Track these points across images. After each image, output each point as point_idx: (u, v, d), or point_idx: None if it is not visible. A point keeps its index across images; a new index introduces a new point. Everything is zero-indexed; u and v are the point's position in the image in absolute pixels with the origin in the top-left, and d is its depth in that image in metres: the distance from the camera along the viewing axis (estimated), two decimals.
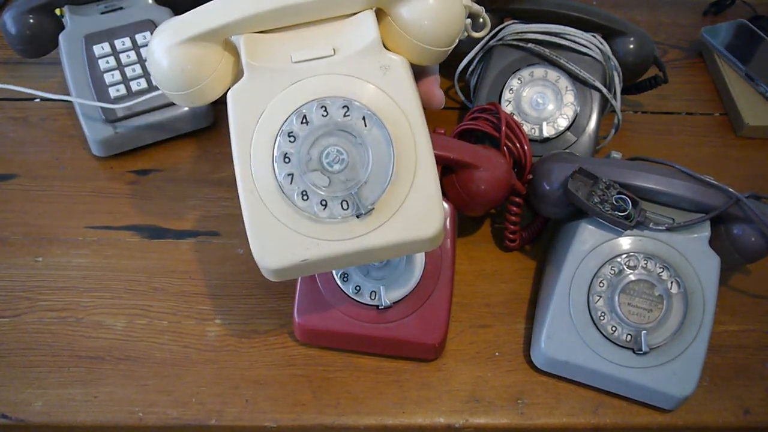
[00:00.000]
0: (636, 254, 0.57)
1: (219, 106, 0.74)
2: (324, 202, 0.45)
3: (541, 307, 0.60)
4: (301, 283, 0.57)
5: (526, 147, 0.62)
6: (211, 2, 0.47)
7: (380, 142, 0.45)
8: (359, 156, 0.45)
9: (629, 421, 0.56)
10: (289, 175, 0.45)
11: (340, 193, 0.45)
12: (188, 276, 0.62)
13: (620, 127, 0.71)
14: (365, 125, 0.45)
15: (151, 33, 0.71)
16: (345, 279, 0.56)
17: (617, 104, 0.70)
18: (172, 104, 0.69)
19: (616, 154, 0.62)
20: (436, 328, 0.56)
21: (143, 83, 0.68)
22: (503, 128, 0.62)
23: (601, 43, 0.70)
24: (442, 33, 0.48)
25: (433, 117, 0.61)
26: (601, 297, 0.56)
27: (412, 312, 0.56)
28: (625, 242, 0.58)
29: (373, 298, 0.55)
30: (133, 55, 0.69)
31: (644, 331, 0.54)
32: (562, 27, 0.70)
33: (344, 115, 0.45)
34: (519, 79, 0.70)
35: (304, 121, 0.45)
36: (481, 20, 0.56)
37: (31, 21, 0.71)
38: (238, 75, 0.48)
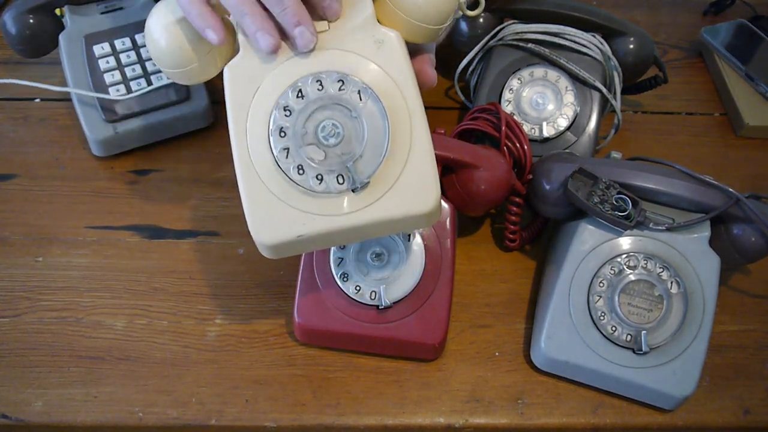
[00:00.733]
0: (636, 254, 0.57)
1: (219, 106, 0.74)
2: (320, 176, 0.45)
3: (541, 307, 0.60)
4: (301, 283, 0.57)
5: (526, 147, 0.62)
6: None
7: (375, 115, 0.45)
8: (354, 130, 0.45)
9: (629, 421, 0.56)
10: (284, 149, 0.45)
11: (336, 166, 0.45)
12: (188, 276, 0.62)
13: (620, 127, 0.71)
14: (360, 99, 0.45)
15: None
16: (345, 279, 0.56)
17: (617, 104, 0.70)
18: (172, 104, 0.69)
19: (616, 154, 0.62)
20: (436, 328, 0.56)
21: (143, 83, 0.68)
22: (503, 128, 0.62)
23: (601, 43, 0.70)
24: (435, 10, 0.48)
25: (433, 117, 0.61)
26: (601, 297, 0.56)
27: (412, 312, 0.56)
28: (625, 242, 0.58)
29: (373, 298, 0.55)
30: (133, 55, 0.69)
31: (644, 331, 0.54)
32: (562, 27, 0.70)
33: (339, 89, 0.45)
34: (519, 79, 0.70)
35: (300, 95, 0.45)
36: None
37: (31, 21, 0.71)
38: (234, 52, 0.48)
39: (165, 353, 0.58)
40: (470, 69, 0.74)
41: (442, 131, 0.61)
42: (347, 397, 0.56)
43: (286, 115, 0.45)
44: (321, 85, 0.45)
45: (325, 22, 0.46)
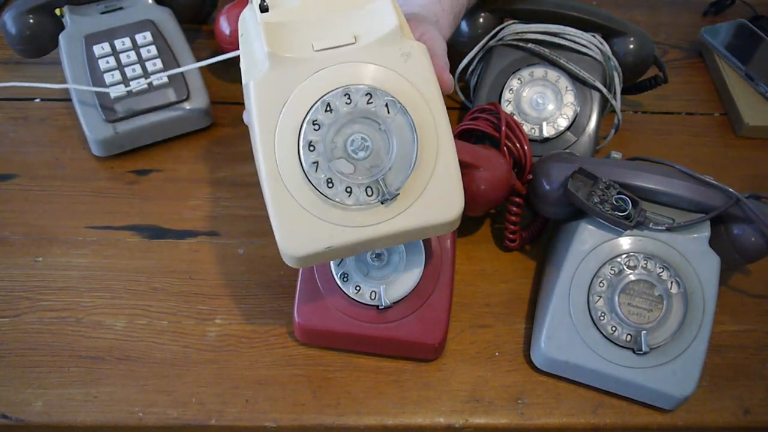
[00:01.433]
0: (636, 254, 0.57)
1: (219, 106, 0.74)
2: (349, 189, 0.45)
3: (541, 307, 0.60)
4: (301, 283, 0.57)
5: (526, 147, 0.62)
6: None
7: (403, 128, 0.46)
8: (383, 142, 0.46)
9: (629, 421, 0.56)
10: (314, 163, 0.45)
11: (366, 179, 0.45)
12: (188, 276, 0.62)
13: (620, 127, 0.71)
14: (388, 112, 0.46)
15: (151, 33, 0.71)
16: (345, 279, 0.56)
17: (617, 104, 0.70)
18: (172, 104, 0.69)
19: (616, 154, 0.62)
20: (436, 328, 0.56)
21: (143, 83, 0.68)
22: (503, 128, 0.62)
23: (601, 43, 0.70)
24: None
25: None
26: (601, 297, 0.56)
27: (412, 312, 0.56)
28: (625, 242, 0.58)
29: (373, 298, 0.55)
30: (133, 55, 0.69)
31: (644, 331, 0.54)
32: (562, 27, 0.70)
33: (368, 103, 0.46)
34: (519, 79, 0.70)
35: (329, 109, 0.45)
36: None
37: (31, 21, 0.71)
38: None
39: (165, 353, 0.58)
40: (470, 69, 0.74)
41: None
42: (347, 397, 0.56)
43: (315, 129, 0.45)
44: (349, 98, 0.45)
45: (351, 35, 0.46)
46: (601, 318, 0.56)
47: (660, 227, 0.57)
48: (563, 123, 0.68)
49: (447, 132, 0.47)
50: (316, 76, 0.46)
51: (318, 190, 0.45)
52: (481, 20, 0.72)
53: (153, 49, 0.70)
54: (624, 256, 0.57)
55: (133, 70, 0.69)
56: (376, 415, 0.55)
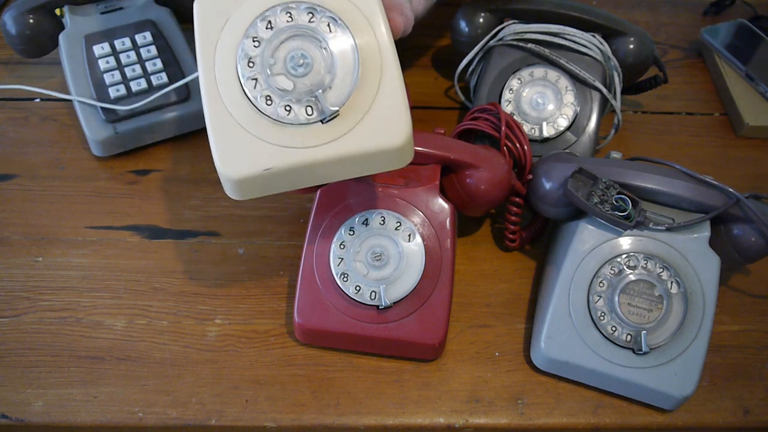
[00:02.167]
0: (636, 254, 0.57)
1: None
2: (288, 108, 0.45)
3: (540, 307, 0.60)
4: (301, 283, 0.57)
5: (526, 147, 0.62)
6: None
7: (345, 46, 0.46)
8: (324, 60, 0.46)
9: (629, 421, 0.56)
10: (253, 79, 0.45)
11: (305, 96, 0.45)
12: (188, 276, 0.62)
13: (620, 127, 0.71)
14: (330, 29, 0.46)
15: (151, 33, 0.71)
16: (345, 279, 0.56)
17: (617, 104, 0.70)
18: (172, 104, 0.69)
19: (616, 154, 0.62)
20: (436, 328, 0.56)
21: (143, 83, 0.68)
22: (503, 128, 0.62)
23: (601, 43, 0.70)
24: None
25: (433, 117, 0.61)
26: (601, 297, 0.56)
27: (412, 312, 0.56)
28: (625, 242, 0.58)
29: (373, 298, 0.55)
30: (133, 55, 0.69)
31: (644, 331, 0.54)
32: (562, 27, 0.70)
33: (309, 21, 0.46)
34: (519, 79, 0.70)
35: (269, 26, 0.45)
36: None
37: (31, 21, 0.71)
38: None
39: (165, 353, 0.58)
40: (470, 69, 0.74)
41: (442, 131, 0.61)
42: (347, 397, 0.56)
43: (254, 46, 0.45)
44: (290, 16, 0.46)
45: None
46: (601, 318, 0.56)
47: (660, 227, 0.57)
48: (563, 123, 0.68)
49: (392, 55, 0.46)
50: None
51: (257, 107, 0.44)
52: (481, 20, 0.72)
53: (153, 49, 0.70)
54: (624, 256, 0.57)
55: (133, 70, 0.69)
56: (376, 415, 0.55)
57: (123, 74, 0.68)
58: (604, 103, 0.70)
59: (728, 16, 0.91)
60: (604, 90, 0.69)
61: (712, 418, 0.57)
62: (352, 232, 0.57)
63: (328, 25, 0.46)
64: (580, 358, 0.55)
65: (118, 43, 0.69)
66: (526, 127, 0.68)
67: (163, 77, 0.69)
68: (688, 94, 0.82)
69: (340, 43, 0.46)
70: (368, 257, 0.56)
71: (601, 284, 0.56)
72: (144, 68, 0.69)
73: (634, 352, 0.55)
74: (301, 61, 0.45)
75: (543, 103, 0.69)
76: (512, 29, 0.71)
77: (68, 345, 0.58)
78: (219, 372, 0.57)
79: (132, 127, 0.68)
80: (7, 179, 0.68)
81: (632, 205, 0.57)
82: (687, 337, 0.55)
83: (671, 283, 0.56)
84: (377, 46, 0.46)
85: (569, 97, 0.69)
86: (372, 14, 0.47)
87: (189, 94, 0.70)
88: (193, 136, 0.72)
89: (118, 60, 0.69)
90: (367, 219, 0.57)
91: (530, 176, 0.62)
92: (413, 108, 0.70)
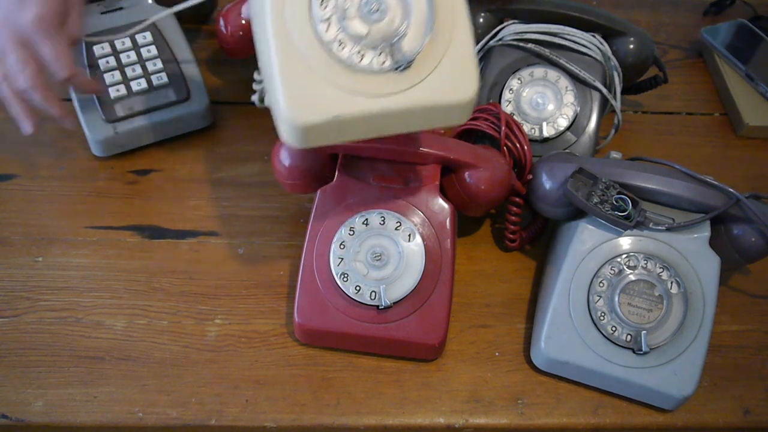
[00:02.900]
0: (636, 254, 0.57)
1: (219, 106, 0.74)
2: (362, 53, 0.44)
3: (541, 307, 0.60)
4: (301, 283, 0.57)
5: (526, 147, 0.62)
6: None
7: None
8: (399, 8, 0.45)
9: (629, 421, 0.56)
10: (326, 20, 0.44)
11: (379, 43, 0.44)
12: (188, 276, 0.62)
13: (620, 127, 0.71)
14: None
15: (151, 33, 0.71)
16: (345, 279, 0.56)
17: (617, 104, 0.70)
18: (172, 104, 0.69)
19: (616, 154, 0.62)
20: (436, 328, 0.56)
21: (143, 83, 0.68)
22: (503, 128, 0.62)
23: (601, 43, 0.70)
24: None
25: None
26: (601, 297, 0.56)
27: (412, 312, 0.56)
28: (625, 242, 0.58)
29: (373, 298, 0.55)
30: (133, 55, 0.69)
31: (644, 331, 0.54)
32: (562, 27, 0.70)
33: None
34: (519, 79, 0.70)
35: None
36: None
37: None
38: None
39: (165, 353, 0.58)
40: None
41: (442, 131, 0.61)
42: (347, 397, 0.56)
43: None
44: None
45: None
46: (601, 318, 0.56)
47: (660, 227, 0.57)
48: (563, 123, 0.68)
49: (463, 8, 0.46)
50: None
51: (330, 50, 0.43)
52: (481, 20, 0.72)
53: (153, 49, 0.70)
54: (624, 256, 0.57)
55: (133, 70, 0.69)
56: (376, 415, 0.55)
57: (123, 74, 0.68)
58: (604, 103, 0.70)
59: (728, 16, 0.91)
60: (604, 90, 0.69)
61: (712, 418, 0.57)
62: (352, 232, 0.57)
63: None
64: (580, 358, 0.55)
65: (118, 43, 0.69)
66: (526, 127, 0.68)
67: (163, 77, 0.69)
68: (688, 94, 0.82)
69: None
70: (368, 257, 0.56)
71: (601, 284, 0.56)
72: (144, 68, 0.69)
73: (634, 352, 0.55)
74: (377, 7, 0.44)
75: (543, 103, 0.69)
76: (512, 29, 0.71)
77: (68, 345, 0.58)
78: (219, 372, 0.57)
79: (132, 127, 0.68)
80: (7, 179, 0.68)
81: (632, 205, 0.57)
82: (687, 337, 0.55)
83: (671, 283, 0.56)
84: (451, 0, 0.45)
85: (569, 97, 0.69)
86: None
87: (189, 94, 0.70)
88: (193, 136, 0.72)
89: (118, 60, 0.69)
90: (367, 219, 0.57)
91: (530, 176, 0.62)
92: None
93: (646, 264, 0.56)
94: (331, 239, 0.57)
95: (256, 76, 0.58)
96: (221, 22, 0.70)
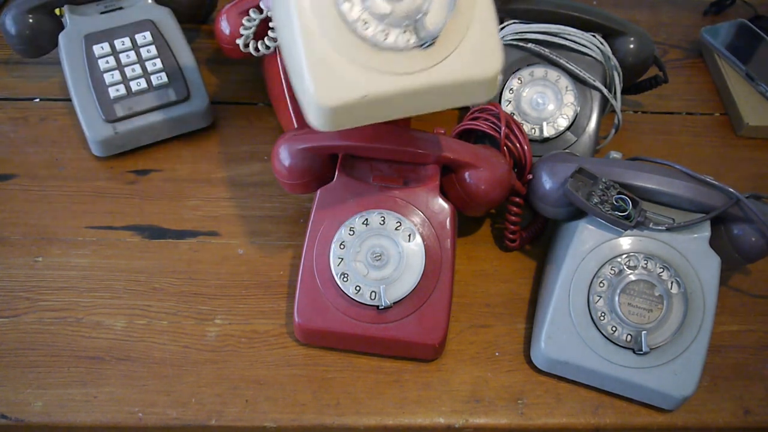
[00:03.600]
0: (636, 254, 0.57)
1: (219, 106, 0.74)
2: (386, 32, 0.44)
3: (541, 307, 0.60)
4: (301, 284, 0.57)
5: (526, 147, 0.62)
6: None
7: None
8: None
9: (629, 422, 0.56)
10: (349, 0, 0.44)
11: (402, 21, 0.44)
12: (188, 276, 0.62)
13: (620, 127, 0.71)
14: None
15: (151, 33, 0.71)
16: (345, 279, 0.56)
17: (617, 104, 0.70)
18: (172, 104, 0.69)
19: (616, 154, 0.62)
20: (436, 328, 0.56)
21: (143, 83, 0.68)
22: (503, 128, 0.62)
23: (601, 43, 0.70)
24: None
25: (433, 117, 0.62)
26: (601, 297, 0.56)
27: (412, 312, 0.56)
28: (625, 242, 0.58)
29: (373, 298, 0.55)
30: (132, 55, 0.69)
31: (644, 332, 0.54)
32: (562, 27, 0.70)
33: None
34: (519, 79, 0.70)
35: None
36: None
37: (31, 21, 0.71)
38: None
39: (165, 353, 0.58)
40: None
41: (442, 131, 0.61)
42: (347, 397, 0.56)
43: None
44: None
45: None
46: (601, 318, 0.56)
47: (660, 227, 0.57)
48: (563, 123, 0.68)
49: None
50: None
51: (354, 30, 0.43)
52: None
53: (153, 49, 0.70)
54: (624, 256, 0.57)
55: (133, 70, 0.69)
56: (376, 415, 0.55)
57: (123, 74, 0.68)
58: (604, 103, 0.70)
59: (728, 16, 0.91)
60: (604, 90, 0.69)
61: (712, 418, 0.57)
62: (352, 232, 0.57)
63: None
64: (580, 358, 0.55)
65: (117, 43, 0.69)
66: (526, 127, 0.68)
67: (163, 77, 0.69)
68: (688, 94, 0.82)
69: None
70: (368, 257, 0.56)
71: (602, 284, 0.56)
72: (144, 68, 0.69)
73: (634, 352, 0.55)
74: None
75: (543, 103, 0.69)
76: (512, 29, 0.71)
77: (68, 345, 0.58)
78: (219, 372, 0.57)
79: (132, 127, 0.68)
80: (7, 179, 0.68)
81: (632, 205, 0.57)
82: (687, 337, 0.55)
83: (671, 283, 0.56)
84: None
85: (569, 97, 0.69)
86: None
87: (189, 94, 0.70)
88: (193, 136, 0.72)
89: (117, 60, 0.69)
90: (367, 219, 0.57)
91: (530, 176, 0.62)
92: None
93: (646, 264, 0.56)
94: (331, 239, 0.57)
95: (245, 21, 0.57)
96: (221, 22, 0.70)
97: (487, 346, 0.60)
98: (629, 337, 0.55)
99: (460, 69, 0.45)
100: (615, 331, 0.55)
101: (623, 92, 0.72)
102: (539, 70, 0.70)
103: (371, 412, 0.55)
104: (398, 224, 0.57)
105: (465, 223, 0.67)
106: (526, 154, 0.62)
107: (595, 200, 0.57)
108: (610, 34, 0.71)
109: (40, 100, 0.74)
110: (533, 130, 0.68)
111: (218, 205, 0.67)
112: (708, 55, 0.85)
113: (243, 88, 0.69)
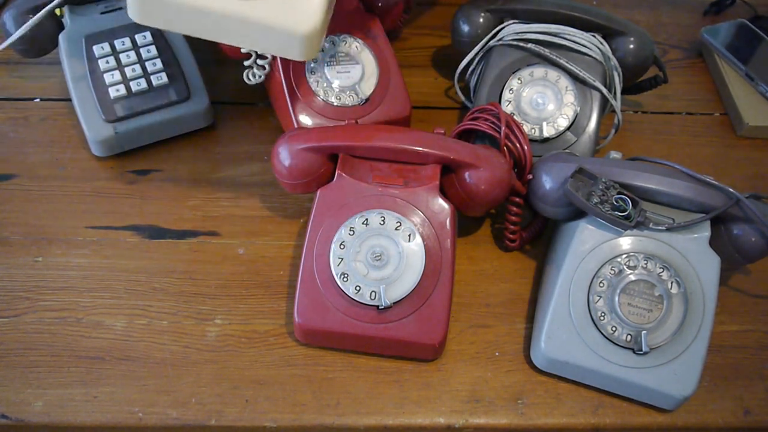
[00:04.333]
0: (636, 254, 0.57)
1: (219, 106, 0.74)
2: None
3: (541, 307, 0.60)
4: (301, 284, 0.57)
5: (526, 147, 0.62)
6: None
7: None
8: None
9: (629, 422, 0.56)
10: None
11: None
12: (188, 276, 0.62)
13: (620, 127, 0.71)
14: None
15: (151, 33, 0.71)
16: (345, 279, 0.56)
17: (617, 104, 0.70)
18: (172, 104, 0.69)
19: (616, 154, 0.62)
20: (436, 328, 0.56)
21: (143, 83, 0.68)
22: (503, 128, 0.62)
23: (601, 43, 0.70)
24: None
25: (433, 117, 0.62)
26: (601, 297, 0.56)
27: (412, 312, 0.56)
28: (625, 242, 0.58)
29: (373, 298, 0.55)
30: (132, 55, 0.69)
31: (644, 332, 0.54)
32: (562, 27, 0.70)
33: None
34: (519, 79, 0.70)
35: None
36: None
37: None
38: None
39: (165, 353, 0.58)
40: (470, 69, 0.74)
41: (442, 131, 0.62)
42: (347, 397, 0.56)
43: None
44: None
45: None
46: (601, 318, 0.56)
47: (660, 227, 0.57)
48: (563, 123, 0.68)
49: None
50: None
51: None
52: (481, 20, 0.72)
53: (153, 49, 0.70)
54: (624, 256, 0.57)
55: (133, 70, 0.69)
56: (376, 415, 0.55)
57: (123, 74, 0.68)
58: (604, 103, 0.70)
59: (728, 16, 0.91)
60: (604, 90, 0.69)
61: (712, 418, 0.57)
62: (352, 232, 0.57)
63: None
64: (580, 358, 0.55)
65: (118, 43, 0.69)
66: (526, 127, 0.68)
67: (163, 77, 0.69)
68: (688, 94, 0.82)
69: None
70: (368, 257, 0.56)
71: (601, 284, 0.56)
72: (144, 68, 0.69)
73: (634, 352, 0.55)
74: None
75: (543, 103, 0.69)
76: (512, 29, 0.71)
77: (68, 345, 0.58)
78: (219, 372, 0.57)
79: (132, 127, 0.68)
80: (7, 179, 0.68)
81: (632, 205, 0.57)
82: (687, 337, 0.55)
83: (671, 283, 0.56)
84: None
85: (569, 97, 0.69)
86: None
87: (189, 94, 0.70)
88: (193, 136, 0.72)
89: (118, 60, 0.69)
90: (367, 219, 0.57)
91: (530, 176, 0.62)
92: (414, 107, 0.70)
93: (646, 264, 0.56)
94: (331, 239, 0.57)
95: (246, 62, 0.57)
96: None
97: (487, 346, 0.60)
98: (629, 337, 0.55)
99: (274, 14, 0.46)
100: (615, 331, 0.55)
101: (623, 92, 0.72)
102: (539, 70, 0.70)
103: (371, 412, 0.55)
104: (398, 224, 0.57)
105: (465, 223, 0.67)
106: (526, 154, 0.62)
107: (595, 200, 0.57)
108: (610, 34, 0.71)
109: (41, 100, 0.74)
110: (533, 130, 0.69)
111: (218, 205, 0.67)
112: (708, 55, 0.85)
113: (243, 88, 0.68)
